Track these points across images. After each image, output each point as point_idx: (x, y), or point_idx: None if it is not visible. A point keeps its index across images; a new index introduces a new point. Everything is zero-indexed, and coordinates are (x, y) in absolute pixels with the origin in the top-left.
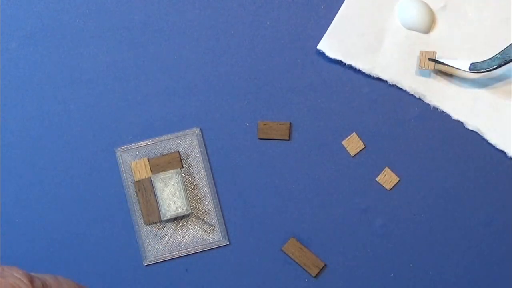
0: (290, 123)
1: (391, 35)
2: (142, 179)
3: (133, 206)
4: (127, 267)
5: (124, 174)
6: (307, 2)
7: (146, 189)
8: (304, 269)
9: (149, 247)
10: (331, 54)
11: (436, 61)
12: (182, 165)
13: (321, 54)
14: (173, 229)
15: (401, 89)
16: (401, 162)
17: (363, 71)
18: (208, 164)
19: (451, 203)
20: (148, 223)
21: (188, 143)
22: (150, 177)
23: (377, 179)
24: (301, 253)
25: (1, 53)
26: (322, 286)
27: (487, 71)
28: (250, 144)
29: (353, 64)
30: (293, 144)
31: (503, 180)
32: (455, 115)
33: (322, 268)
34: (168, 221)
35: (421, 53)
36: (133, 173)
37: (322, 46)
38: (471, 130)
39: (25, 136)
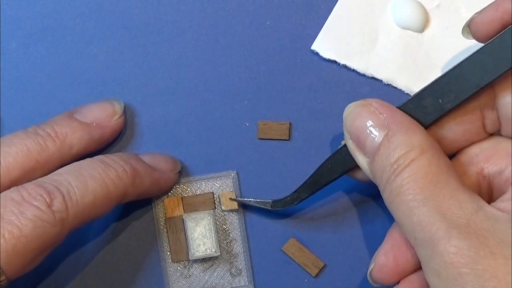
0: (290, 123)
1: (384, 34)
2: (173, 217)
3: (162, 242)
4: None
5: (157, 210)
6: (307, 2)
7: (177, 227)
8: (304, 269)
9: (174, 284)
10: (325, 54)
11: (237, 200)
12: (215, 207)
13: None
14: (199, 269)
15: (399, 88)
16: None
17: (358, 70)
18: (241, 207)
19: None
20: (175, 261)
21: (221, 185)
22: (182, 216)
23: None
24: (301, 253)
25: (1, 53)
26: (322, 286)
27: (286, 207)
28: (250, 144)
29: (348, 64)
30: (293, 144)
31: None
32: None
33: (322, 268)
34: (195, 261)
35: (222, 194)
36: (166, 209)
37: (316, 46)
38: None
39: None
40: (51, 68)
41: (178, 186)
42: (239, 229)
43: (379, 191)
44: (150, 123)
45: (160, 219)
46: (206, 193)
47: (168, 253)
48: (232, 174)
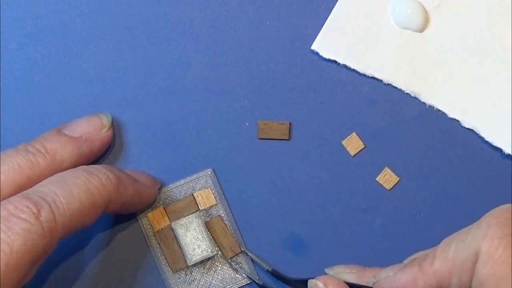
0: (290, 123)
1: (385, 34)
2: (162, 229)
3: (158, 256)
4: None
5: (144, 226)
6: (307, 2)
7: (168, 238)
8: (221, 251)
9: None
10: (325, 54)
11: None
12: (199, 208)
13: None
14: (201, 272)
15: (399, 88)
16: (401, 162)
17: (358, 70)
18: (226, 202)
19: (451, 203)
20: (175, 270)
21: (202, 185)
22: (170, 225)
23: (377, 179)
24: (222, 233)
25: (1, 53)
26: None
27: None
28: (250, 144)
29: (348, 64)
30: (293, 144)
31: (502, 179)
32: (450, 114)
33: (238, 254)
34: (194, 265)
35: (197, 194)
36: (151, 223)
37: (316, 46)
38: (468, 128)
39: (25, 137)
40: (51, 68)
41: (158, 197)
42: (228, 223)
43: (379, 191)
44: (150, 123)
45: (150, 234)
46: (186, 196)
47: (166, 265)
48: (209, 172)
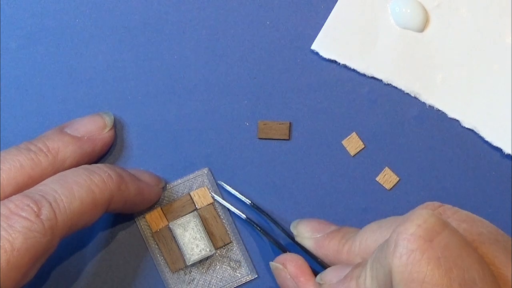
0: (290, 123)
1: (384, 34)
2: (160, 229)
3: (157, 256)
4: None
5: (142, 227)
6: (307, 2)
7: (166, 238)
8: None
9: None
10: (325, 54)
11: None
12: (196, 207)
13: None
14: (200, 272)
15: (399, 88)
16: (401, 162)
17: (358, 70)
18: (223, 201)
19: (451, 203)
20: (174, 270)
21: (199, 184)
22: (167, 225)
23: (377, 179)
24: (214, 222)
25: (1, 53)
26: None
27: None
28: (250, 144)
29: (348, 64)
30: (293, 144)
31: (502, 179)
32: (450, 114)
33: (228, 243)
34: (193, 265)
35: (194, 194)
36: (149, 225)
37: (316, 46)
38: (468, 128)
39: (25, 137)
40: (51, 68)
41: None
42: (225, 221)
43: (379, 191)
44: (150, 123)
45: (148, 235)
46: (183, 196)
47: (165, 266)
48: (205, 171)
